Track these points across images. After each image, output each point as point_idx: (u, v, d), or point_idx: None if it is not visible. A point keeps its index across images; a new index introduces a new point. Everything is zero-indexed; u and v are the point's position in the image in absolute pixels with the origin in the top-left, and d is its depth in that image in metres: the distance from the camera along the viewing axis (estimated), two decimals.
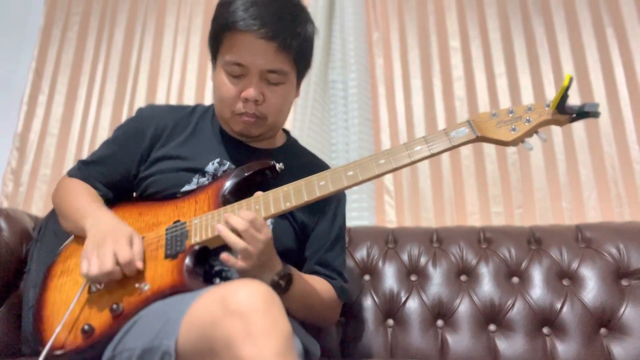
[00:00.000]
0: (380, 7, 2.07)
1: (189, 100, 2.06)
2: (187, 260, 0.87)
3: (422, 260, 1.42)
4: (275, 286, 0.89)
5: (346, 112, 1.94)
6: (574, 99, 1.82)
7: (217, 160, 1.07)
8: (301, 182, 0.91)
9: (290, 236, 1.08)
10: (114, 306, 0.85)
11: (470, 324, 1.32)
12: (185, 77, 2.10)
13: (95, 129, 2.09)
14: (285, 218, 1.06)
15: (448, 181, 1.83)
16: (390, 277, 1.40)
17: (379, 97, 1.97)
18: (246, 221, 0.84)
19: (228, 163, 1.07)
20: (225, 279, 0.96)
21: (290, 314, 0.69)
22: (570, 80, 0.84)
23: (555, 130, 1.81)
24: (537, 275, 1.35)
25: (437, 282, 1.38)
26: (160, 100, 2.09)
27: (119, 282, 0.88)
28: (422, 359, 1.29)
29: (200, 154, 1.08)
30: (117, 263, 0.86)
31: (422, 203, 1.83)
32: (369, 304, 1.38)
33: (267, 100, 1.01)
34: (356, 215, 1.80)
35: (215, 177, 1.05)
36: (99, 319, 0.86)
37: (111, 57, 2.19)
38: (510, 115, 0.91)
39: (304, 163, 1.16)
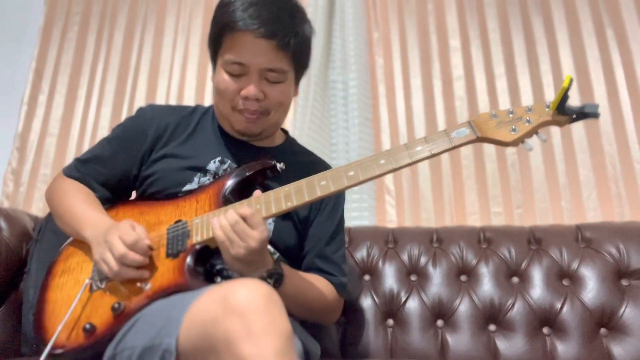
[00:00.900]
0: (380, 7, 2.07)
1: (189, 100, 2.06)
2: (189, 260, 0.88)
3: (422, 260, 1.42)
4: None
5: (346, 112, 1.94)
6: (574, 100, 1.82)
7: (218, 158, 1.08)
8: (302, 182, 0.91)
9: (293, 234, 1.09)
10: (116, 305, 0.85)
11: (470, 324, 1.32)
12: (185, 77, 2.10)
13: (95, 129, 2.10)
14: (287, 216, 1.07)
15: (448, 181, 1.83)
16: (390, 277, 1.40)
17: (379, 97, 1.97)
18: (237, 215, 0.84)
19: (229, 161, 1.08)
20: (226, 277, 0.96)
21: (289, 313, 0.69)
22: (570, 81, 0.85)
23: (555, 130, 1.81)
24: (537, 275, 1.35)
25: (437, 282, 1.38)
26: (160, 100, 2.09)
27: (121, 282, 0.89)
28: (422, 359, 1.29)
29: (202, 153, 1.08)
30: (127, 246, 0.86)
31: (422, 203, 1.83)
32: (369, 304, 1.38)
33: (268, 96, 1.02)
34: (356, 215, 1.80)
35: (216, 176, 1.05)
36: (101, 317, 0.86)
37: (111, 57, 2.19)
38: (511, 116, 0.91)
39: (303, 161, 1.17)
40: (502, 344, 1.29)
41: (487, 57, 1.93)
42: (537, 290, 1.33)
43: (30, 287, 1.11)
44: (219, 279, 0.95)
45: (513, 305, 1.32)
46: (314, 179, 0.91)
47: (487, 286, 1.35)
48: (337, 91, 1.98)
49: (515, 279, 1.37)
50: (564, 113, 0.89)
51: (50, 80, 2.18)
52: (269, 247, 1.05)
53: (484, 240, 1.43)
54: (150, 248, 0.90)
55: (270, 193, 0.92)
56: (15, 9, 2.35)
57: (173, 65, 2.12)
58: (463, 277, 1.39)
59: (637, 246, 1.32)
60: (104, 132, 2.08)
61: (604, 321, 1.27)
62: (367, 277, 1.43)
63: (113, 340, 0.80)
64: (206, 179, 1.05)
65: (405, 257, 1.43)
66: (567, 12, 1.91)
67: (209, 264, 0.94)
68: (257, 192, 0.93)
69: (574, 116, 0.89)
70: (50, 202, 1.10)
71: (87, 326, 0.85)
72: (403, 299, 1.37)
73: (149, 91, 2.11)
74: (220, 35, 1.02)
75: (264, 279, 0.89)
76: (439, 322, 1.34)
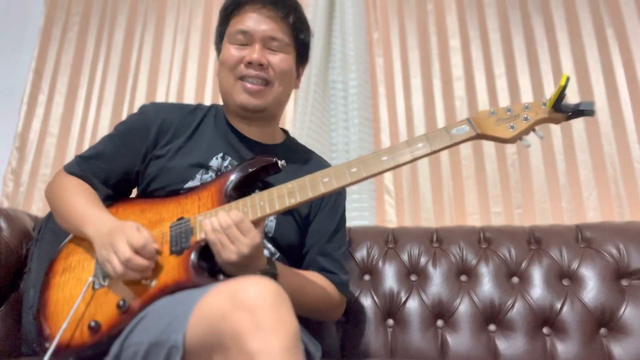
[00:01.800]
0: (380, 7, 2.07)
1: (189, 99, 2.06)
2: (193, 256, 0.88)
3: (422, 260, 1.42)
4: None
5: (346, 112, 1.94)
6: (574, 99, 1.82)
7: (220, 154, 1.08)
8: (305, 179, 0.92)
9: (294, 231, 1.09)
10: (121, 302, 0.85)
11: (470, 324, 1.32)
12: (184, 76, 2.10)
13: (95, 129, 2.10)
14: (289, 213, 1.08)
15: (448, 181, 1.83)
16: (390, 277, 1.40)
17: (379, 97, 1.97)
18: (230, 219, 0.85)
19: (230, 158, 1.09)
20: (229, 275, 0.96)
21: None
22: (567, 80, 0.87)
23: (555, 130, 1.81)
24: (537, 275, 1.35)
25: (437, 282, 1.38)
26: (159, 100, 2.09)
27: (125, 279, 0.89)
28: (422, 359, 1.29)
29: (204, 150, 1.09)
30: (134, 250, 0.86)
31: (422, 203, 1.83)
32: (369, 304, 1.38)
33: (271, 64, 1.08)
34: (356, 215, 1.80)
35: (218, 173, 1.06)
36: (106, 315, 0.86)
37: (111, 57, 2.19)
38: (509, 113, 0.93)
39: (304, 159, 1.18)
40: (502, 344, 1.29)
41: (487, 57, 1.93)
42: (537, 290, 1.33)
43: (30, 287, 1.11)
44: (221, 277, 0.95)
45: (513, 305, 1.32)
46: (317, 176, 0.91)
47: (487, 286, 1.35)
48: (337, 91, 1.98)
49: (515, 279, 1.37)
50: (560, 111, 0.91)
51: (50, 80, 2.18)
52: (270, 246, 1.06)
53: (484, 240, 1.43)
54: (158, 252, 0.89)
55: (274, 190, 0.92)
56: (15, 9, 2.34)
57: (173, 65, 2.12)
58: (463, 277, 1.39)
59: (637, 246, 1.32)
60: (104, 132, 2.08)
61: (604, 321, 1.27)
62: (367, 277, 1.43)
63: (119, 337, 0.80)
64: (208, 176, 1.06)
65: (405, 257, 1.43)
66: (567, 12, 1.91)
67: (212, 261, 0.94)
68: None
69: (570, 114, 0.91)
70: (51, 199, 1.10)
71: (92, 324, 0.85)
72: (403, 299, 1.37)
73: (149, 91, 2.11)
74: (227, 16, 1.13)
75: None
76: (439, 322, 1.34)
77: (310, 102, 1.89)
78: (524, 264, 1.37)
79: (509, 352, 1.27)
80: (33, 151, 2.09)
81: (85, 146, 2.07)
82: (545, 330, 1.30)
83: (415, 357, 1.30)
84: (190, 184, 1.04)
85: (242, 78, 1.07)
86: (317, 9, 2.00)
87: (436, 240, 1.46)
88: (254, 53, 1.06)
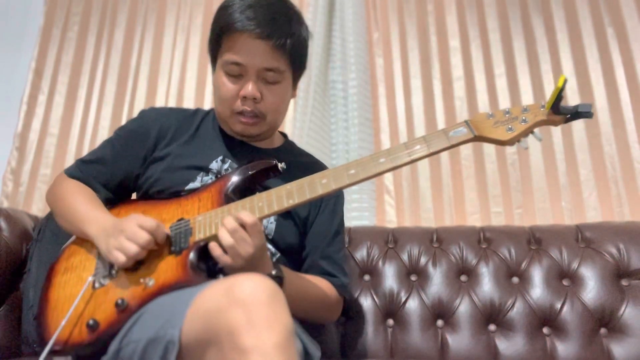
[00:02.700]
0: (380, 7, 2.07)
1: (189, 100, 2.06)
2: (191, 256, 0.89)
3: (422, 260, 1.42)
4: None
5: (346, 112, 1.94)
6: (574, 99, 1.82)
7: (220, 158, 1.10)
8: (304, 180, 0.93)
9: (294, 233, 1.10)
10: (119, 301, 0.86)
11: (470, 324, 1.32)
12: (185, 77, 2.10)
13: (95, 129, 2.10)
14: (288, 215, 1.08)
15: (448, 181, 1.83)
16: (390, 277, 1.40)
17: (379, 97, 1.97)
18: (237, 223, 0.85)
19: (230, 161, 1.10)
20: (227, 275, 0.96)
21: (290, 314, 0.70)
22: (565, 81, 0.87)
23: (555, 130, 1.81)
24: (537, 275, 1.35)
25: (437, 282, 1.38)
26: (160, 100, 2.09)
27: (124, 278, 0.90)
28: (422, 359, 1.29)
29: (204, 153, 1.10)
30: (147, 231, 0.88)
31: (422, 203, 1.83)
32: (369, 304, 1.38)
33: (265, 99, 1.05)
34: (356, 215, 1.80)
35: (218, 175, 1.06)
36: (104, 313, 0.87)
37: (111, 57, 2.19)
38: (507, 115, 0.93)
39: (303, 162, 1.19)
40: (502, 344, 1.29)
41: (487, 57, 1.93)
42: (537, 290, 1.33)
43: (30, 287, 1.11)
44: (221, 277, 0.96)
45: (513, 305, 1.32)
46: (315, 178, 0.92)
47: (487, 286, 1.36)
48: (337, 91, 1.98)
49: (515, 279, 1.37)
50: (558, 113, 0.91)
51: (50, 80, 2.18)
52: (270, 247, 1.06)
53: (484, 240, 1.44)
54: (168, 236, 0.92)
55: (272, 191, 0.93)
56: (15, 9, 2.34)
57: (173, 65, 2.12)
58: (463, 277, 1.39)
59: (637, 246, 1.32)
60: (104, 132, 2.08)
61: (604, 321, 1.27)
62: (367, 277, 1.43)
63: (118, 334, 0.81)
64: (209, 178, 1.06)
65: (405, 257, 1.43)
66: (567, 12, 1.91)
67: (211, 262, 0.95)
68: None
69: (568, 116, 0.91)
70: (52, 201, 1.11)
71: (91, 322, 0.85)
72: (403, 299, 1.37)
73: (149, 91, 2.11)
74: (219, 36, 1.05)
75: None
76: (439, 322, 1.35)
77: (310, 102, 1.89)
78: (524, 264, 1.37)
79: (509, 352, 1.27)
80: (33, 151, 2.09)
81: (85, 146, 2.07)
82: (545, 330, 1.30)
83: (415, 357, 1.30)
84: (191, 185, 1.05)
85: (238, 114, 1.07)
86: (317, 9, 2.00)
87: (436, 240, 1.46)
88: (248, 87, 1.03)
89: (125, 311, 0.85)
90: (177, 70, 2.11)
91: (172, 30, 2.18)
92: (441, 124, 1.89)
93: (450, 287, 1.37)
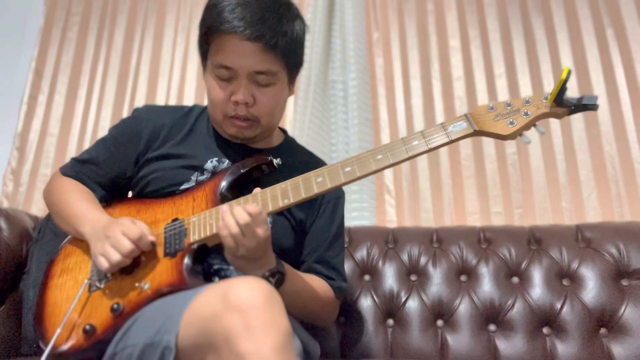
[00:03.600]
0: (380, 7, 2.07)
1: (189, 100, 2.06)
2: (187, 259, 0.88)
3: (422, 260, 1.42)
4: None
5: (346, 112, 1.94)
6: None
7: (216, 159, 1.07)
8: (299, 179, 0.91)
9: (289, 235, 1.08)
10: (115, 306, 0.85)
11: (470, 324, 1.32)
12: (185, 77, 2.10)
13: (95, 129, 2.10)
14: (284, 217, 1.06)
15: (448, 181, 1.83)
16: (390, 277, 1.40)
17: (379, 97, 1.96)
18: (247, 213, 0.83)
19: (227, 161, 1.08)
20: (223, 277, 0.96)
21: (288, 312, 0.70)
22: (568, 73, 0.83)
23: (555, 130, 1.81)
24: (537, 275, 1.35)
25: (437, 282, 1.38)
26: (160, 100, 2.09)
27: (119, 281, 0.89)
28: (422, 359, 1.29)
29: (198, 152, 1.08)
30: (131, 241, 0.87)
31: (422, 203, 1.83)
32: (369, 304, 1.38)
33: (257, 102, 1.00)
34: (356, 215, 1.80)
35: (213, 175, 1.05)
36: (100, 318, 0.86)
37: (111, 57, 2.19)
38: (508, 108, 0.90)
39: (302, 161, 1.15)
40: (502, 344, 1.29)
41: (487, 57, 1.93)
42: (537, 290, 1.33)
43: (30, 287, 1.11)
44: (216, 279, 0.95)
45: (513, 305, 1.32)
46: (310, 175, 0.91)
47: (487, 286, 1.35)
48: (337, 91, 1.98)
49: (515, 279, 1.37)
50: (562, 105, 0.87)
51: (50, 80, 2.18)
52: None
53: (484, 240, 1.43)
54: (153, 244, 0.90)
55: (267, 190, 0.91)
56: (15, 9, 2.34)
57: (173, 65, 2.12)
58: (463, 277, 1.39)
59: (637, 246, 1.32)
60: (104, 132, 2.07)
61: (604, 321, 1.27)
62: (367, 277, 1.43)
63: (113, 339, 0.80)
64: (204, 178, 1.05)
65: (405, 257, 1.43)
66: (567, 12, 1.91)
67: (206, 264, 0.94)
68: (257, 190, 0.93)
69: (572, 108, 0.87)
70: (48, 200, 1.11)
71: (87, 327, 0.85)
72: (403, 299, 1.37)
73: (149, 91, 2.11)
74: (207, 37, 1.00)
75: (266, 277, 0.89)
76: (439, 322, 1.34)
77: (310, 102, 1.89)
78: (524, 264, 1.37)
79: (509, 352, 1.27)
80: (33, 151, 2.09)
81: (86, 146, 2.06)
82: (545, 330, 1.30)
83: (415, 357, 1.30)
84: (185, 185, 1.04)
85: (230, 118, 1.02)
86: (317, 9, 2.00)
87: (436, 240, 1.46)
88: (240, 92, 0.98)
89: (120, 315, 0.84)
90: (177, 70, 2.11)
91: (172, 31, 2.18)
92: None
93: (450, 287, 1.37)
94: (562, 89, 0.85)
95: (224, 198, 0.96)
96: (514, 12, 1.96)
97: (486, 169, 1.82)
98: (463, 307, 1.34)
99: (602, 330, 1.27)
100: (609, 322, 1.27)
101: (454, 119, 0.90)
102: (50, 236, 1.14)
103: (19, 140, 2.10)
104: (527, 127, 0.89)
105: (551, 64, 1.87)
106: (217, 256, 0.94)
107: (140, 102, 2.09)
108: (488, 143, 1.84)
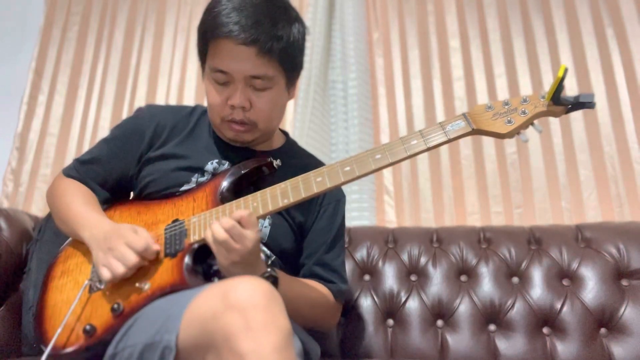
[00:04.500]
0: (380, 7, 2.07)
1: (189, 100, 2.06)
2: (187, 259, 0.88)
3: (422, 260, 1.42)
4: None
5: (346, 112, 1.94)
6: None
7: (216, 160, 1.07)
8: (298, 179, 0.91)
9: (289, 237, 1.07)
10: (115, 306, 0.86)
11: (470, 324, 1.32)
12: (185, 77, 2.10)
13: (95, 129, 2.10)
14: (283, 219, 1.06)
15: (448, 181, 1.83)
16: (390, 277, 1.40)
17: (379, 97, 1.97)
18: (233, 220, 0.83)
19: (227, 163, 1.07)
20: (223, 278, 0.96)
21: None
22: (565, 71, 0.84)
23: (555, 130, 1.81)
24: (537, 275, 1.35)
25: (437, 282, 1.38)
26: (160, 100, 2.09)
27: (119, 282, 0.89)
28: (422, 359, 1.29)
29: (199, 154, 1.08)
30: (137, 253, 0.87)
31: (422, 203, 1.83)
32: (369, 304, 1.38)
33: (254, 106, 1.00)
34: (356, 215, 1.80)
35: (214, 176, 1.05)
36: (100, 318, 0.86)
37: (111, 57, 2.19)
38: (506, 107, 0.90)
39: (303, 164, 1.14)
40: (502, 344, 1.29)
41: (487, 57, 1.93)
42: (537, 290, 1.33)
43: (30, 287, 1.11)
44: (216, 279, 0.95)
45: (513, 305, 1.32)
46: (309, 175, 0.91)
47: (487, 286, 1.35)
48: (337, 91, 1.98)
49: (515, 279, 1.36)
50: (559, 103, 0.88)
51: (50, 80, 2.18)
52: (265, 249, 1.05)
53: (484, 240, 1.43)
54: (157, 252, 0.90)
55: (267, 190, 0.91)
56: (15, 9, 2.34)
57: (173, 65, 2.12)
58: (463, 277, 1.39)
59: (637, 246, 1.32)
60: (104, 132, 2.07)
61: (604, 321, 1.27)
62: (367, 277, 1.42)
63: (114, 339, 0.80)
64: (204, 179, 1.05)
65: (405, 257, 1.43)
66: (567, 12, 1.91)
67: (206, 265, 0.94)
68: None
69: (570, 106, 0.88)
70: (50, 202, 1.11)
71: (88, 327, 0.85)
72: (403, 299, 1.37)
73: (149, 91, 2.11)
74: (204, 41, 1.00)
75: None
76: (439, 322, 1.34)
77: (310, 102, 1.89)
78: (524, 264, 1.37)
79: (509, 352, 1.27)
80: (33, 151, 2.09)
81: (85, 146, 2.07)
82: (545, 330, 1.30)
83: (415, 357, 1.30)
84: (186, 187, 1.04)
85: (228, 122, 1.02)
86: (317, 9, 2.00)
87: (436, 240, 1.46)
88: (236, 97, 0.97)
89: (121, 316, 0.84)
90: (177, 70, 2.11)
91: (172, 31, 2.18)
92: None
93: (450, 287, 1.37)
94: (559, 87, 0.86)
95: (224, 199, 0.96)
96: (514, 12, 1.96)
97: (486, 169, 1.82)
98: (463, 307, 1.34)
99: (602, 330, 1.27)
100: (609, 322, 1.27)
101: (452, 118, 0.91)
102: (50, 236, 1.14)
103: (19, 140, 2.10)
104: (524, 125, 0.89)
105: (551, 64, 1.87)
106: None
107: (140, 102, 2.09)
108: (488, 143, 1.84)
